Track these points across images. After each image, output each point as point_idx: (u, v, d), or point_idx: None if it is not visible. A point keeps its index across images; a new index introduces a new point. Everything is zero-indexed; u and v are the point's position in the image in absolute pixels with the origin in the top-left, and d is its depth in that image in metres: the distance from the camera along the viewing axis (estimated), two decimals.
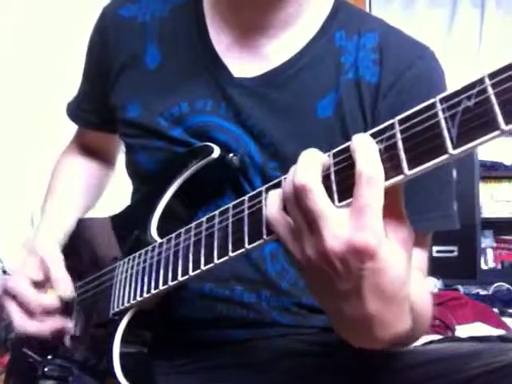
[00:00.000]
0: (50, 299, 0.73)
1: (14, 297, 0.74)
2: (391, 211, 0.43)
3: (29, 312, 0.73)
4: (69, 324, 0.76)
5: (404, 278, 0.44)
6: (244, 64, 0.73)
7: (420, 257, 0.66)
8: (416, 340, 0.61)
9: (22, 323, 0.73)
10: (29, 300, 0.72)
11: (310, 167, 0.43)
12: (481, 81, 0.36)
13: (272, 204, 0.46)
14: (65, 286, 0.74)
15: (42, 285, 0.75)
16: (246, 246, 0.50)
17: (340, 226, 0.41)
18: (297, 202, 0.43)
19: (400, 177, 0.40)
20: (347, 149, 0.43)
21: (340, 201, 0.43)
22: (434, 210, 0.67)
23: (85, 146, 0.97)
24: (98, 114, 0.88)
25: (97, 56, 0.83)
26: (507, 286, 2.60)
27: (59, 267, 0.75)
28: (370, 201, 0.40)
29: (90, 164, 0.97)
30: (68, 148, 0.99)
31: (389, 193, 0.41)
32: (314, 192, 0.42)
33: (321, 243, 0.42)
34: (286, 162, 0.70)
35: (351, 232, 0.41)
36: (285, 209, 0.46)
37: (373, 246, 0.41)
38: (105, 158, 0.99)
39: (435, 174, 0.64)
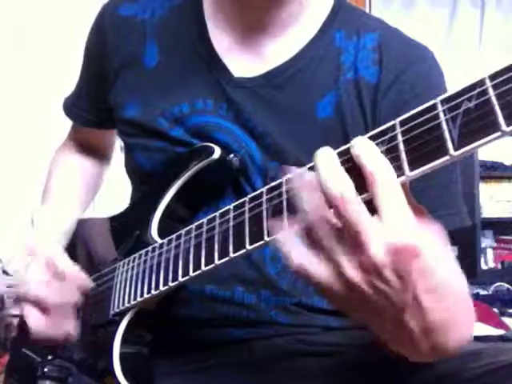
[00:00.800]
0: (70, 295, 0.73)
1: (33, 303, 0.73)
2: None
3: (49, 315, 0.72)
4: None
5: (455, 271, 0.43)
6: (244, 64, 0.72)
7: None
8: None
9: (40, 329, 0.73)
10: (51, 301, 0.72)
11: (336, 171, 0.40)
12: (481, 82, 0.36)
13: (295, 246, 0.43)
14: (79, 275, 0.74)
15: (52, 284, 0.74)
16: (247, 246, 0.50)
17: (377, 232, 0.39)
18: (332, 217, 0.40)
19: (401, 178, 0.40)
20: (346, 151, 0.43)
21: None
22: (446, 208, 0.66)
23: (80, 142, 0.97)
24: (95, 112, 0.88)
25: (95, 55, 0.83)
26: (507, 286, 2.60)
27: (66, 261, 0.75)
28: (393, 202, 0.39)
29: (85, 160, 0.97)
30: (63, 145, 0.99)
31: None
32: (354, 198, 0.40)
33: (365, 257, 0.39)
34: (286, 163, 0.70)
35: (389, 237, 0.39)
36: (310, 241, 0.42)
37: (413, 244, 0.39)
38: (100, 153, 0.99)
39: (445, 172, 0.63)
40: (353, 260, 0.40)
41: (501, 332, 1.87)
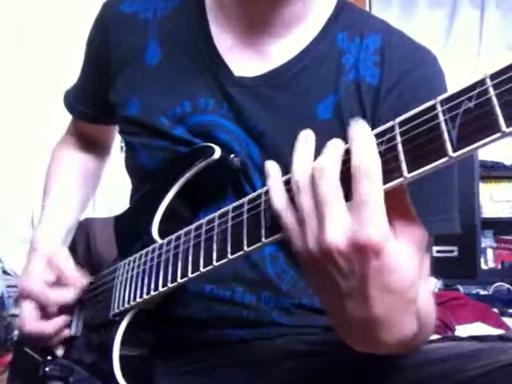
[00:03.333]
0: (66, 293, 0.74)
1: (30, 298, 0.75)
2: (400, 212, 0.42)
3: (45, 312, 0.74)
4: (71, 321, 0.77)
5: (413, 279, 0.43)
6: (245, 63, 0.72)
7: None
8: (422, 344, 0.60)
9: (31, 325, 0.74)
10: (46, 298, 0.74)
11: (332, 153, 0.43)
12: (482, 82, 0.36)
13: (278, 193, 0.46)
14: (78, 277, 0.75)
15: (54, 285, 0.76)
16: (245, 248, 0.50)
17: (344, 219, 0.40)
18: (311, 186, 0.43)
19: (399, 179, 0.40)
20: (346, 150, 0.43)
21: None
22: (436, 213, 0.66)
23: (80, 137, 0.97)
24: (95, 107, 0.88)
25: (96, 51, 0.83)
26: (507, 285, 2.60)
27: (67, 261, 0.76)
28: (370, 194, 0.39)
29: (85, 156, 0.97)
30: (62, 139, 0.99)
31: (394, 194, 0.40)
32: (332, 175, 0.42)
33: (323, 235, 0.41)
34: (285, 163, 0.70)
35: (353, 228, 0.40)
36: (291, 200, 0.45)
37: (377, 242, 0.39)
38: (100, 147, 0.99)
39: (438, 177, 0.63)
40: (315, 233, 0.42)
41: (500, 332, 1.88)
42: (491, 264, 3.01)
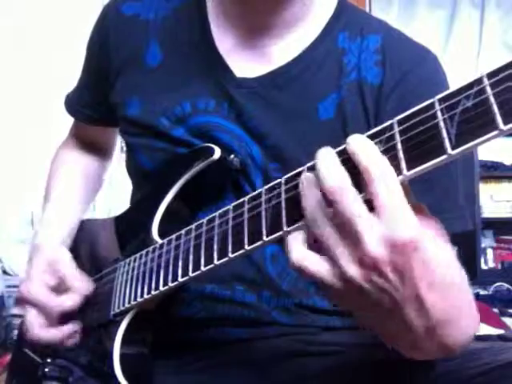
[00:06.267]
0: (70, 300, 0.73)
1: (34, 305, 0.73)
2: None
3: (49, 318, 0.73)
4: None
5: (455, 264, 0.43)
6: (247, 64, 0.72)
7: None
8: None
9: (41, 332, 0.73)
10: (50, 305, 0.72)
11: (334, 167, 0.41)
12: (479, 81, 0.36)
13: (295, 246, 0.45)
14: (81, 283, 0.73)
15: (56, 288, 0.75)
16: (246, 247, 0.50)
17: (375, 227, 0.40)
18: (325, 216, 0.41)
19: (399, 177, 0.40)
20: (344, 151, 0.43)
21: None
22: (449, 210, 0.66)
23: (82, 139, 0.97)
24: (97, 109, 0.88)
25: (97, 53, 0.83)
26: (507, 286, 2.60)
27: (70, 266, 0.75)
28: (390, 195, 0.39)
29: (87, 158, 0.97)
30: (65, 142, 0.99)
31: None
32: (350, 192, 0.40)
33: (365, 252, 0.40)
34: (287, 164, 0.70)
35: (387, 232, 0.39)
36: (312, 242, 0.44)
37: (414, 237, 0.39)
38: (102, 150, 0.99)
39: (450, 174, 0.64)
40: (352, 256, 0.41)
41: (501, 332, 1.88)
42: (491, 264, 3.01)
